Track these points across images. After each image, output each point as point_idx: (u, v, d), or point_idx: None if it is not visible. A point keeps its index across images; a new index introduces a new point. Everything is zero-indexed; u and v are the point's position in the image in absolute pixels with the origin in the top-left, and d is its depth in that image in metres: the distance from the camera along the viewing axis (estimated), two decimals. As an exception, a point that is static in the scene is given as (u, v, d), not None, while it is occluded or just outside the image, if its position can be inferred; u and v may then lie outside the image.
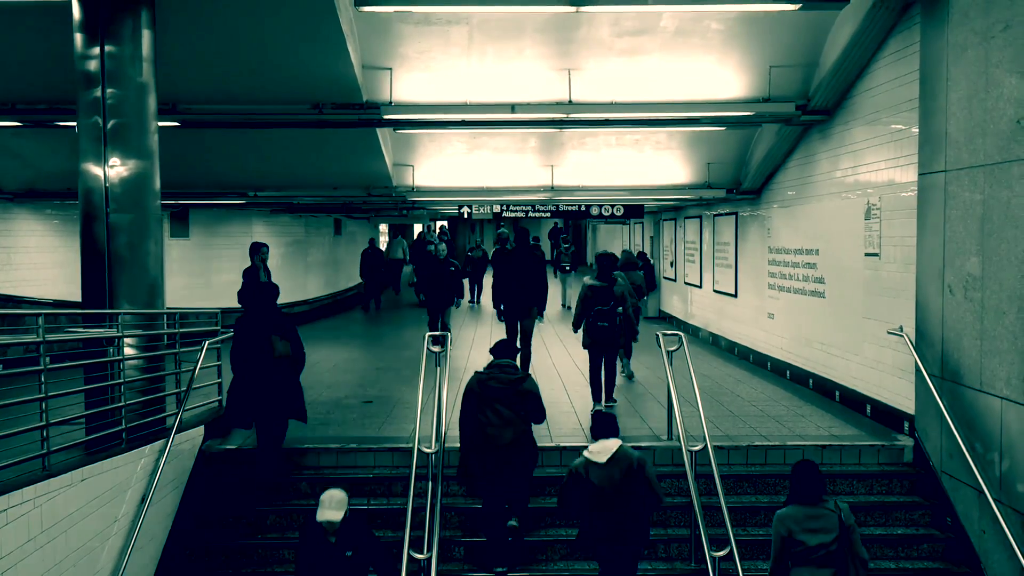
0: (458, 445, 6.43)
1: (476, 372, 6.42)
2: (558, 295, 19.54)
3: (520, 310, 9.63)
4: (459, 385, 9.80)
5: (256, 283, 9.01)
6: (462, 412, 6.29)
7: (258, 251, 9.54)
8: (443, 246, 12.40)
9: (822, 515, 5.01)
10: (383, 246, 29.46)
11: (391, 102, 8.89)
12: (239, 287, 9.63)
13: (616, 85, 9.08)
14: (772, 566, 5.13)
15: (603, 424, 5.52)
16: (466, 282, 19.42)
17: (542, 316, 9.87)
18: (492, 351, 6.64)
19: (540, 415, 6.35)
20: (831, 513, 5.04)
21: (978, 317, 6.06)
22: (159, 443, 6.34)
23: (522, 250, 9.81)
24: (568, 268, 19.90)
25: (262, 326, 6.76)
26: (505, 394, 6.16)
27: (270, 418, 6.78)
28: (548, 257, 27.34)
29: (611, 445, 5.36)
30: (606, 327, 8.38)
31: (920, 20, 6.89)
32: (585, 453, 5.41)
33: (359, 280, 21.37)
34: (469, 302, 20.58)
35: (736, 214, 12.73)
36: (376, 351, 13.33)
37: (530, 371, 9.00)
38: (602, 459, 5.30)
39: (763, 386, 10.00)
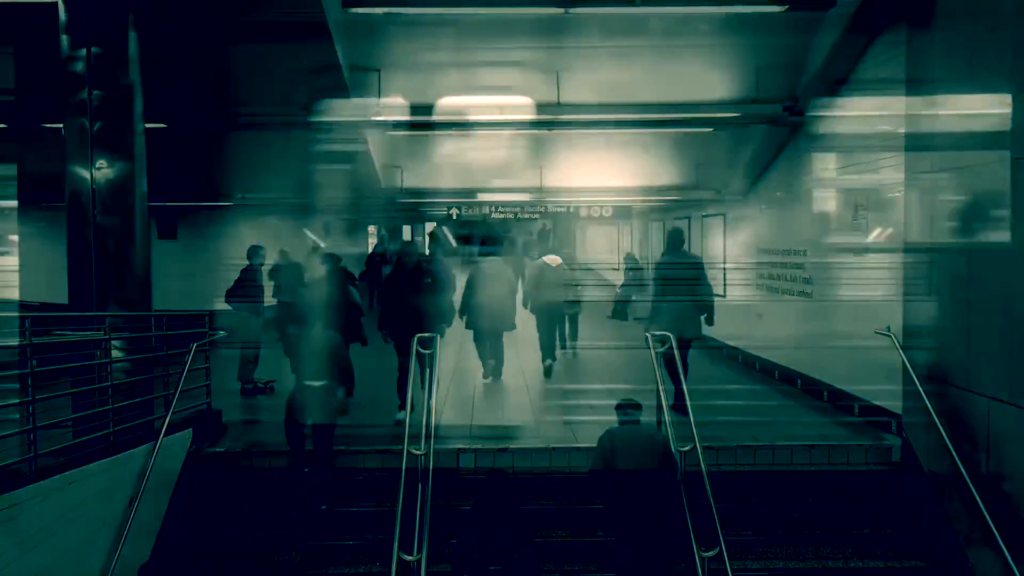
0: (447, 446, 7.26)
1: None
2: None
3: None
4: (447, 387, 9.78)
5: (253, 282, 9.77)
6: (467, 285, 9.52)
7: (256, 253, 9.89)
8: (416, 243, 9.79)
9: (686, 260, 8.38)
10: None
11: (379, 103, 8.88)
12: (228, 287, 9.79)
13: (605, 86, 9.09)
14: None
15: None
16: None
17: None
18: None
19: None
20: (691, 258, 8.51)
21: (965, 317, 6.10)
22: (147, 446, 6.30)
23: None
24: (536, 257, 23.91)
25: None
26: (495, 275, 9.49)
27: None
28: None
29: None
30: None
31: (906, 23, 6.93)
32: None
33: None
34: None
35: (725, 215, 12.77)
36: (364, 351, 13.24)
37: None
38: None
39: (751, 386, 10.04)
